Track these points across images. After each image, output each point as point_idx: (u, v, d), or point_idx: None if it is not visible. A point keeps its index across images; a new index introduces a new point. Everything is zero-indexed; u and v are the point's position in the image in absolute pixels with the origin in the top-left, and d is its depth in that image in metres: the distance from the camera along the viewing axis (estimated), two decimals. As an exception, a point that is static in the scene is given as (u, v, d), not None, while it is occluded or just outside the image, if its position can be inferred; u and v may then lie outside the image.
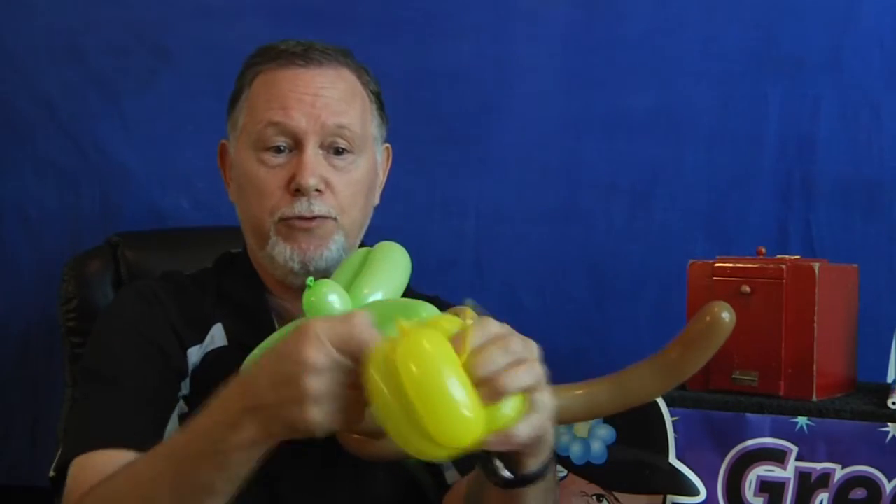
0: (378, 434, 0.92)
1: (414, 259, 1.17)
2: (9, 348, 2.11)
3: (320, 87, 1.25)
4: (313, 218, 1.23)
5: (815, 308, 1.64)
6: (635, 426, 1.64)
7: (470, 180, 2.14)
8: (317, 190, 1.23)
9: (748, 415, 1.62)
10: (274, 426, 0.89)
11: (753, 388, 1.66)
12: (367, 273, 1.09)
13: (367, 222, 1.32)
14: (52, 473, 1.17)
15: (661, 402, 1.62)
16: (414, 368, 0.82)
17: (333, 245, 1.24)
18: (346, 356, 0.87)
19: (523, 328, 0.92)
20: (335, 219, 1.24)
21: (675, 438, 1.64)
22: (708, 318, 1.04)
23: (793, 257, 1.72)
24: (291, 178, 1.23)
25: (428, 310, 0.99)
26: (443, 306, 1.02)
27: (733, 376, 1.67)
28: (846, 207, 2.05)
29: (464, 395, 0.83)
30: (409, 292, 1.17)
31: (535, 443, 0.93)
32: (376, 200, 1.35)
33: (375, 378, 0.84)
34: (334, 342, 0.87)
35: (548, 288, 2.13)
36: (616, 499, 1.69)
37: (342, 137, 1.25)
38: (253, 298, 1.30)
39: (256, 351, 1.07)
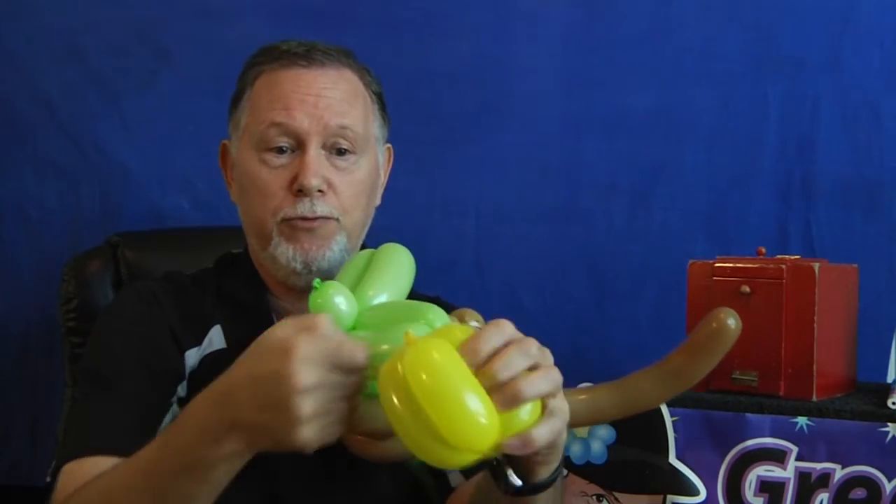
0: (381, 435, 0.92)
1: (414, 259, 1.17)
2: (9, 348, 2.11)
3: (323, 87, 1.25)
4: (315, 218, 1.23)
5: (815, 308, 1.64)
6: (635, 426, 1.64)
7: (470, 180, 2.14)
8: (319, 191, 1.22)
9: (748, 415, 1.62)
10: (261, 443, 0.90)
11: (753, 388, 1.66)
12: (373, 275, 1.09)
13: (369, 223, 1.32)
14: (48, 479, 1.17)
15: (660, 402, 1.62)
16: (425, 379, 0.82)
17: (336, 245, 1.24)
18: (335, 371, 0.87)
19: (523, 328, 0.92)
20: (337, 219, 1.24)
21: (675, 438, 1.63)
22: (714, 325, 1.03)
23: (793, 257, 1.72)
24: (294, 179, 1.23)
25: (434, 312, 0.99)
26: (444, 307, 1.02)
27: (733, 376, 1.67)
28: (846, 207, 2.05)
29: (477, 403, 0.83)
30: (411, 293, 1.17)
31: (550, 449, 0.93)
32: (378, 201, 1.35)
33: (389, 393, 0.84)
34: (321, 360, 0.87)
35: (548, 288, 2.12)
36: (616, 499, 1.69)
37: (344, 138, 1.25)
38: (254, 299, 1.30)
39: None
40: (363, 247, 1.29)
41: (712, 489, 1.63)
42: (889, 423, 1.57)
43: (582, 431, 1.68)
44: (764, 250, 1.76)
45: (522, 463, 0.96)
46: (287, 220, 1.23)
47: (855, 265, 1.79)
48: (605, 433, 1.67)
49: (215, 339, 1.26)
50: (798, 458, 1.60)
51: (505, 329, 0.89)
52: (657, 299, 2.07)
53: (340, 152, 1.25)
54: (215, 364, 1.22)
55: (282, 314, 1.29)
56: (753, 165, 2.08)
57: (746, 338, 1.57)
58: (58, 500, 1.10)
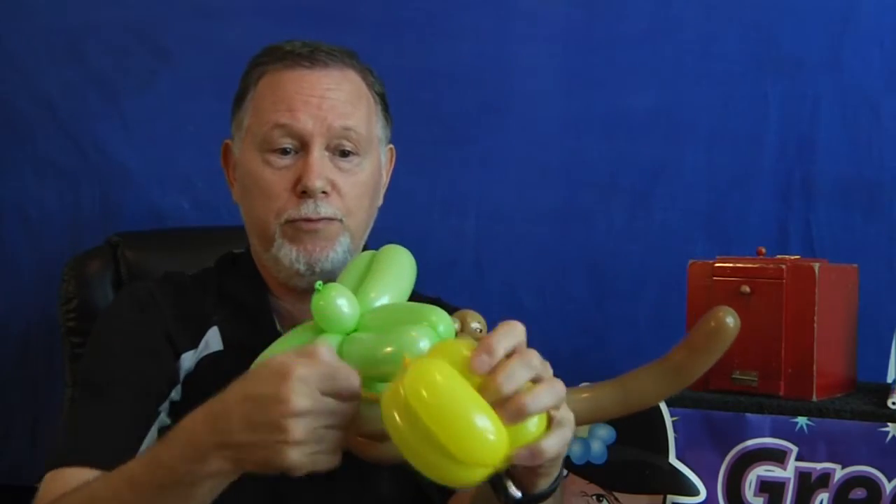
0: (381, 437, 0.92)
1: (415, 260, 1.17)
2: (9, 348, 2.11)
3: (326, 88, 1.25)
4: (319, 219, 1.23)
5: (815, 308, 1.64)
6: (635, 426, 1.64)
7: (470, 180, 2.14)
8: (323, 192, 1.22)
9: (748, 415, 1.62)
10: (248, 463, 0.91)
11: (753, 388, 1.66)
12: (374, 277, 1.09)
13: (372, 223, 1.32)
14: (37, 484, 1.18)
15: (661, 402, 1.62)
16: (429, 400, 0.83)
17: (339, 247, 1.24)
18: (330, 397, 0.89)
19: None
20: (341, 220, 1.24)
21: (675, 438, 1.64)
22: (713, 323, 1.04)
23: (793, 257, 1.72)
24: (297, 181, 1.22)
25: (437, 314, 0.99)
26: (445, 309, 1.02)
27: (733, 376, 1.67)
28: (846, 207, 2.05)
29: (485, 420, 0.84)
30: (412, 294, 1.17)
31: (557, 459, 0.94)
32: (380, 201, 1.35)
33: (393, 418, 0.85)
34: (317, 384, 0.88)
35: (548, 288, 2.12)
36: (616, 499, 1.69)
37: (348, 140, 1.25)
38: (255, 299, 1.30)
39: (265, 354, 1.07)
40: (365, 248, 1.29)
41: (712, 489, 1.63)
42: (889, 423, 1.57)
43: (582, 431, 1.68)
44: (764, 250, 1.76)
45: (522, 475, 0.97)
46: (290, 222, 1.23)
47: (855, 265, 1.79)
48: (605, 433, 1.67)
49: (212, 341, 1.26)
50: (798, 458, 1.60)
51: (504, 338, 0.89)
52: (657, 299, 2.07)
53: (344, 154, 1.25)
54: (212, 367, 1.22)
55: (283, 315, 1.29)
56: (753, 165, 2.08)
57: (746, 338, 1.57)
58: None
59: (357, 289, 1.07)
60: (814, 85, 2.06)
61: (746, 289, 1.67)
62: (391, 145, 1.37)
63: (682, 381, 1.07)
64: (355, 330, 1.04)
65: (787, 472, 1.61)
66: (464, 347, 0.88)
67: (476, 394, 0.85)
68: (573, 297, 2.12)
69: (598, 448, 1.68)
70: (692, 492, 1.63)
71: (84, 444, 1.14)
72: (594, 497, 1.70)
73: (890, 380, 1.70)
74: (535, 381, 0.90)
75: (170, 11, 2.13)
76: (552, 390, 0.90)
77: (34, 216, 2.12)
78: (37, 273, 2.10)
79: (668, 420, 1.63)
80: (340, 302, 1.03)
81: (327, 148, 1.24)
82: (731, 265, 1.70)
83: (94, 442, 1.14)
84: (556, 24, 2.12)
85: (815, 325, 1.64)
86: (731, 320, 1.03)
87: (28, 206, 2.12)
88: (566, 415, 0.92)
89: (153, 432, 1.18)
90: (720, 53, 2.09)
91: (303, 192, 1.22)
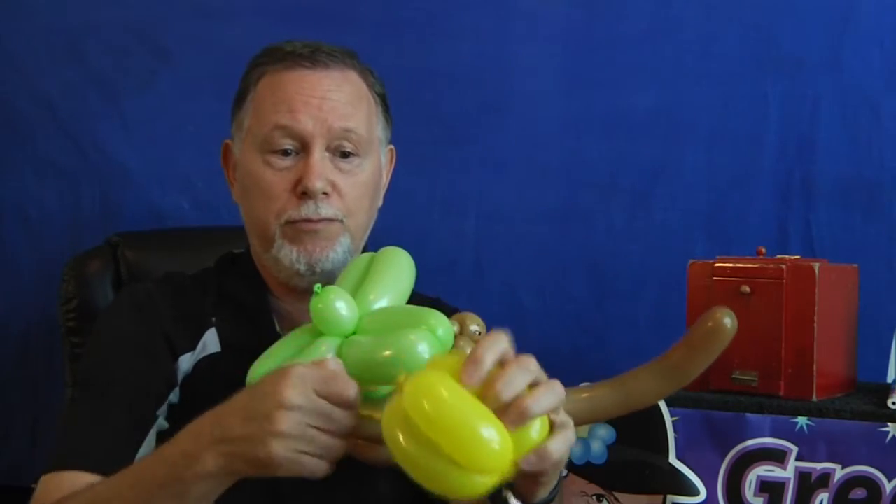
0: (380, 439, 0.92)
1: (414, 259, 1.17)
2: (9, 348, 2.11)
3: (327, 89, 1.24)
4: (320, 220, 1.22)
5: (815, 308, 1.64)
6: (635, 426, 1.64)
7: (470, 180, 2.14)
8: (323, 193, 1.22)
9: (748, 415, 1.62)
10: (236, 462, 0.93)
11: (753, 388, 1.66)
12: (373, 279, 1.09)
13: (372, 224, 1.32)
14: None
15: (661, 402, 1.62)
16: (432, 414, 0.83)
17: (339, 247, 1.24)
18: (324, 399, 0.91)
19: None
20: (341, 221, 1.24)
21: (675, 438, 1.64)
22: (710, 324, 1.04)
23: (793, 257, 1.72)
24: (298, 181, 1.22)
25: (436, 317, 0.99)
26: (445, 310, 1.02)
27: (733, 376, 1.67)
28: (846, 207, 2.05)
29: (489, 428, 0.84)
30: (412, 294, 1.17)
31: (562, 463, 0.94)
32: (380, 202, 1.34)
33: (396, 435, 0.85)
34: (312, 384, 0.91)
35: (548, 288, 2.13)
36: (616, 499, 1.69)
37: (348, 141, 1.24)
38: (255, 299, 1.29)
39: (264, 356, 1.07)
40: (364, 249, 1.29)
41: (712, 489, 1.63)
42: (889, 423, 1.57)
43: (582, 431, 1.68)
44: (764, 250, 1.76)
45: (523, 486, 0.98)
46: (291, 223, 1.23)
47: (855, 265, 1.79)
48: (605, 433, 1.68)
49: (210, 343, 1.25)
50: (798, 458, 1.60)
51: (497, 345, 0.90)
52: (657, 299, 2.07)
53: (344, 155, 1.25)
54: (210, 368, 1.22)
55: (283, 315, 1.29)
56: (753, 165, 2.08)
57: (746, 338, 1.58)
58: None
59: (356, 291, 1.07)
60: (814, 85, 2.06)
61: (746, 289, 1.67)
62: (391, 146, 1.36)
63: (681, 380, 1.07)
64: (354, 333, 1.04)
65: (787, 472, 1.61)
66: (457, 360, 0.89)
67: (478, 402, 0.85)
68: (573, 297, 2.12)
69: (598, 448, 1.68)
70: (692, 492, 1.63)
71: (81, 449, 1.14)
72: (594, 497, 1.70)
73: (890, 380, 1.70)
74: (534, 385, 0.90)
75: (170, 11, 2.13)
76: (552, 392, 0.90)
77: (34, 216, 2.13)
78: (37, 273, 2.10)
79: (668, 420, 1.64)
80: (339, 305, 1.03)
81: (328, 149, 1.24)
82: (731, 265, 1.70)
83: (90, 447, 1.14)
84: (556, 24, 2.13)
85: (815, 325, 1.64)
86: (728, 321, 1.04)
87: (28, 206, 2.13)
88: (565, 417, 0.93)
89: (151, 436, 1.18)
90: (720, 53, 2.09)
91: (303, 193, 1.22)
